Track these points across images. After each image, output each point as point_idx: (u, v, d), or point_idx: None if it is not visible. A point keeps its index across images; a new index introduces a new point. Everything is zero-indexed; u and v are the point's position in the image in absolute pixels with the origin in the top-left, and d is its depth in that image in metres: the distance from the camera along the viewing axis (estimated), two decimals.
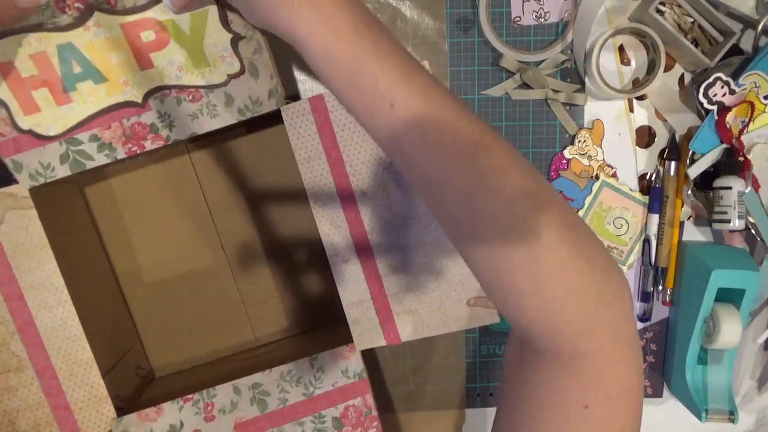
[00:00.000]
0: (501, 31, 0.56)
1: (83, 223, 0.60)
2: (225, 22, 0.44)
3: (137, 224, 0.62)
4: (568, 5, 0.56)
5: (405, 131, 0.30)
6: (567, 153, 0.58)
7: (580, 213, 0.58)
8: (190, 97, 0.46)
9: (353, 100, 0.31)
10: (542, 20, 0.56)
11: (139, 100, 0.46)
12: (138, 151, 0.47)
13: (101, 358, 0.51)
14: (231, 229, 0.64)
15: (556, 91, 0.56)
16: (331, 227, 0.50)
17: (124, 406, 0.54)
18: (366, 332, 0.52)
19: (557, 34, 0.56)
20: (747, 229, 0.56)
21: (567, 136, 0.58)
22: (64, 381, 0.50)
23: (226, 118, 0.47)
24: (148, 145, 0.47)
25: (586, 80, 0.56)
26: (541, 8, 0.56)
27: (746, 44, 0.55)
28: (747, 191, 0.54)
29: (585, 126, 0.57)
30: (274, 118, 0.50)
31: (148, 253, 0.63)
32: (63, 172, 0.47)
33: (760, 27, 0.53)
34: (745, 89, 0.53)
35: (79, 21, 0.42)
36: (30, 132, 0.46)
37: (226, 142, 0.61)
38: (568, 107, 0.57)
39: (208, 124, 0.47)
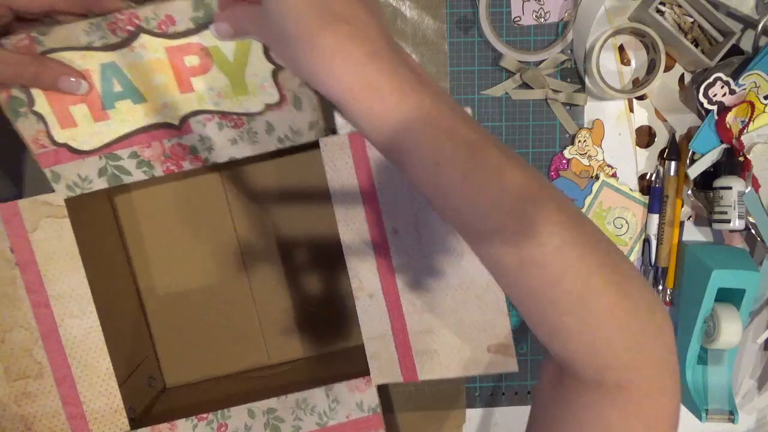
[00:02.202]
0: (501, 31, 0.56)
1: (110, 232, 0.61)
2: (267, 54, 0.44)
3: (162, 236, 0.63)
4: (568, 5, 0.56)
5: (450, 186, 0.30)
6: (567, 153, 0.58)
7: None
8: (233, 123, 0.47)
9: (397, 158, 0.31)
10: (542, 20, 0.56)
11: (176, 122, 0.46)
12: (176, 170, 0.48)
13: (118, 368, 0.51)
14: (254, 250, 0.64)
15: (556, 91, 0.56)
16: (359, 261, 0.51)
17: (136, 418, 0.54)
18: (384, 367, 0.52)
19: (557, 34, 0.56)
20: (747, 229, 0.56)
21: (567, 136, 0.58)
22: (82, 390, 0.50)
23: (265, 146, 0.47)
24: (186, 165, 0.48)
25: (586, 80, 0.56)
26: (541, 8, 0.56)
27: (746, 44, 0.55)
28: (747, 191, 0.54)
29: (585, 126, 0.57)
30: (308, 144, 0.50)
31: (170, 263, 0.64)
32: (100, 184, 0.48)
33: (760, 27, 0.53)
34: (745, 89, 0.53)
35: (126, 42, 0.43)
36: (65, 145, 0.46)
37: (259, 162, 0.61)
38: (568, 107, 0.57)
39: (248, 150, 0.48)
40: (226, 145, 0.47)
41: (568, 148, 0.58)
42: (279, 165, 0.62)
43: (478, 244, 0.32)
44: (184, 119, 0.46)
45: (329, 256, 0.64)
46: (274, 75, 0.45)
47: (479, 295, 0.51)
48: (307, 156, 0.61)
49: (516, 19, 0.56)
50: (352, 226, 0.50)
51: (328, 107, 0.56)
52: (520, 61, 0.56)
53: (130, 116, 0.46)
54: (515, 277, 0.31)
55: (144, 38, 0.42)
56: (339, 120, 0.55)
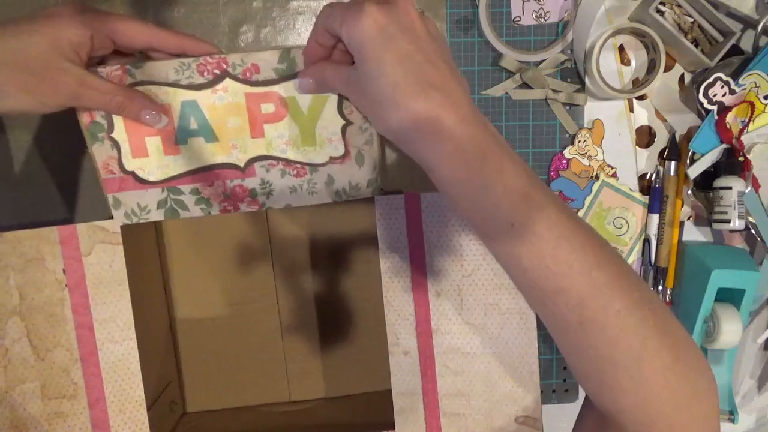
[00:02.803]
0: (501, 31, 0.56)
1: (151, 258, 0.62)
2: (341, 111, 0.46)
3: (201, 265, 0.65)
4: (568, 5, 0.56)
5: (522, 247, 0.33)
6: (567, 153, 0.58)
7: (580, 213, 0.58)
8: (295, 172, 0.48)
9: (475, 218, 0.34)
10: (542, 20, 0.56)
11: (242, 165, 0.48)
12: (232, 210, 0.49)
13: (146, 393, 0.52)
14: (290, 287, 0.66)
15: (556, 91, 0.56)
16: (398, 317, 0.52)
17: None
18: (409, 424, 0.52)
19: (557, 34, 0.56)
20: (747, 229, 0.56)
21: (567, 136, 0.58)
22: (112, 415, 0.51)
23: (323, 197, 0.49)
24: (243, 208, 0.49)
25: (586, 80, 0.56)
26: (541, 8, 0.56)
27: (746, 44, 0.55)
28: (747, 191, 0.54)
29: (585, 126, 0.57)
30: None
31: (204, 292, 0.65)
32: (157, 216, 0.49)
33: (760, 27, 0.53)
34: (745, 89, 0.53)
35: (210, 84, 0.45)
36: (132, 173, 0.48)
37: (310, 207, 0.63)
38: (568, 107, 0.57)
39: (305, 200, 0.49)
40: (284, 192, 0.49)
41: (568, 148, 0.58)
42: (328, 212, 0.64)
43: (542, 302, 0.34)
44: (250, 162, 0.48)
45: (368, 303, 0.65)
46: (343, 130, 0.47)
47: (514, 366, 0.52)
48: (355, 209, 0.64)
49: (516, 19, 0.56)
50: (396, 283, 0.51)
51: (385, 167, 0.57)
52: (520, 61, 0.56)
53: (199, 153, 0.48)
54: (574, 334, 0.33)
55: (227, 82, 0.45)
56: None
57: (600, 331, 0.32)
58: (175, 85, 0.45)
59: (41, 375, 0.50)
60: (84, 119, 0.46)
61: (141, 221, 0.49)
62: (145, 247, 0.61)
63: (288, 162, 0.48)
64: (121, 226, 0.49)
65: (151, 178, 0.48)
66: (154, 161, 0.48)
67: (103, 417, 0.51)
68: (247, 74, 0.45)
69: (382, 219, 0.50)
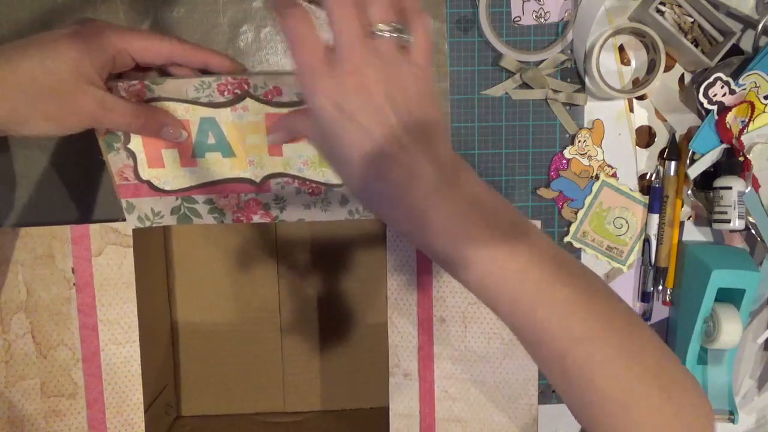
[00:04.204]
0: (501, 31, 0.56)
1: (158, 262, 0.62)
2: None
3: (206, 271, 0.65)
4: (568, 5, 0.56)
5: (549, 354, 0.33)
6: (567, 153, 0.58)
7: (580, 213, 0.58)
8: (310, 191, 0.49)
9: (508, 319, 0.33)
10: (542, 20, 0.56)
11: (258, 180, 0.48)
12: (244, 221, 0.50)
13: (144, 396, 0.52)
14: (293, 298, 0.66)
15: (556, 91, 0.56)
16: (401, 340, 0.52)
17: None
18: None
19: (557, 34, 0.56)
20: (747, 229, 0.56)
21: (567, 136, 0.58)
22: (109, 417, 0.51)
23: (335, 214, 0.50)
24: (256, 219, 0.50)
25: (586, 80, 0.56)
26: (541, 8, 0.56)
27: (746, 44, 0.55)
28: (747, 191, 0.54)
29: (585, 126, 0.57)
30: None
31: (208, 298, 0.65)
32: (170, 221, 0.50)
33: (760, 27, 0.53)
34: (745, 89, 0.53)
35: (230, 102, 0.45)
36: (148, 182, 0.48)
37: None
38: (568, 107, 0.57)
39: (318, 216, 0.50)
40: (298, 208, 0.49)
41: (568, 148, 0.58)
42: (339, 227, 0.64)
43: (532, 350, 0.34)
44: (266, 179, 0.48)
45: (371, 320, 0.66)
46: None
47: (512, 399, 0.52)
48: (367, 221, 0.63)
49: (516, 19, 0.56)
50: (401, 307, 0.52)
51: None
52: (520, 61, 0.56)
53: (216, 167, 0.48)
54: (560, 379, 0.34)
55: (248, 102, 0.44)
56: None
57: (584, 380, 0.33)
58: (194, 102, 0.44)
59: (42, 372, 0.50)
60: (99, 130, 0.46)
61: (154, 225, 0.49)
62: (153, 250, 0.60)
63: (304, 181, 0.48)
64: (135, 230, 0.49)
65: (167, 188, 0.48)
66: (170, 172, 0.48)
67: (101, 417, 0.50)
68: (269, 96, 0.45)
69: (392, 240, 0.51)
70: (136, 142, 0.47)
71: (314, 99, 0.32)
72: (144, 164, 0.47)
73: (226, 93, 0.44)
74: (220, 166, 0.48)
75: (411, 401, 0.52)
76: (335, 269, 0.66)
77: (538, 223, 0.57)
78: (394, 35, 0.31)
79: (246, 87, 0.43)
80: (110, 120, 0.42)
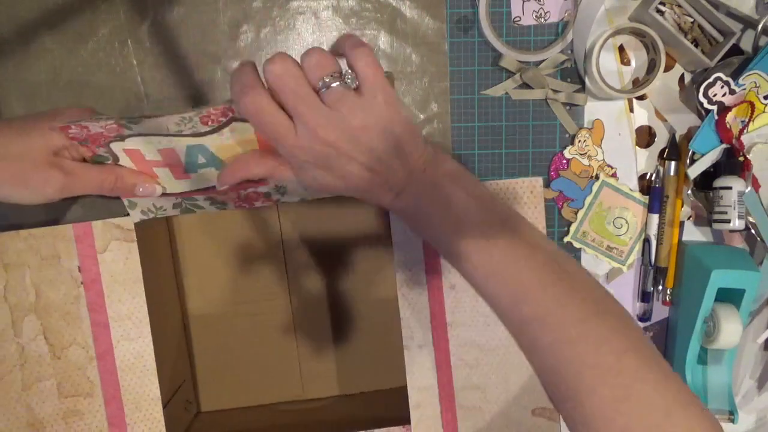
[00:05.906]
0: (501, 31, 0.56)
1: (164, 255, 0.62)
2: None
3: (213, 262, 0.65)
4: (568, 5, 0.56)
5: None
6: (567, 153, 0.58)
7: (580, 213, 0.58)
8: None
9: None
10: (542, 20, 0.56)
11: (255, 179, 0.47)
12: (247, 207, 0.50)
13: (161, 392, 0.52)
14: (304, 286, 0.66)
15: (556, 91, 0.56)
16: (413, 311, 0.51)
17: None
18: (425, 419, 0.52)
19: (557, 34, 0.56)
20: (747, 229, 0.56)
21: (567, 136, 0.58)
22: (128, 413, 0.51)
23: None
24: (258, 204, 0.50)
25: (586, 80, 0.56)
26: (541, 8, 0.56)
27: (746, 44, 0.55)
28: (747, 191, 0.54)
29: (585, 126, 0.57)
30: None
31: (218, 289, 0.65)
32: (173, 213, 0.50)
33: (760, 27, 0.53)
34: (745, 89, 0.53)
35: (216, 130, 0.43)
36: None
37: (317, 201, 0.63)
38: (568, 107, 0.57)
39: (319, 193, 0.49)
40: (298, 189, 0.49)
41: (568, 148, 0.58)
42: (340, 212, 0.64)
43: (508, 321, 0.39)
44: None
45: (381, 300, 0.65)
46: None
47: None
48: (367, 208, 0.64)
49: (516, 19, 0.56)
50: (409, 277, 0.51)
51: None
52: (520, 61, 0.56)
53: (210, 178, 0.47)
54: (537, 354, 0.38)
55: (235, 125, 0.42)
56: None
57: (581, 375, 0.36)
58: (177, 135, 0.43)
59: (57, 373, 0.50)
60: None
61: (158, 216, 0.49)
62: (158, 244, 0.60)
63: None
64: (135, 224, 0.49)
65: (167, 191, 0.48)
66: (166, 183, 0.48)
67: (120, 414, 0.50)
68: None
69: (396, 217, 0.50)
70: (126, 161, 0.46)
71: (291, 160, 0.38)
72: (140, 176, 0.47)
73: (210, 122, 0.42)
74: (214, 177, 0.47)
75: (428, 372, 0.52)
76: (342, 254, 0.66)
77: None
78: (337, 83, 0.35)
79: (231, 114, 0.41)
80: (81, 187, 0.44)
